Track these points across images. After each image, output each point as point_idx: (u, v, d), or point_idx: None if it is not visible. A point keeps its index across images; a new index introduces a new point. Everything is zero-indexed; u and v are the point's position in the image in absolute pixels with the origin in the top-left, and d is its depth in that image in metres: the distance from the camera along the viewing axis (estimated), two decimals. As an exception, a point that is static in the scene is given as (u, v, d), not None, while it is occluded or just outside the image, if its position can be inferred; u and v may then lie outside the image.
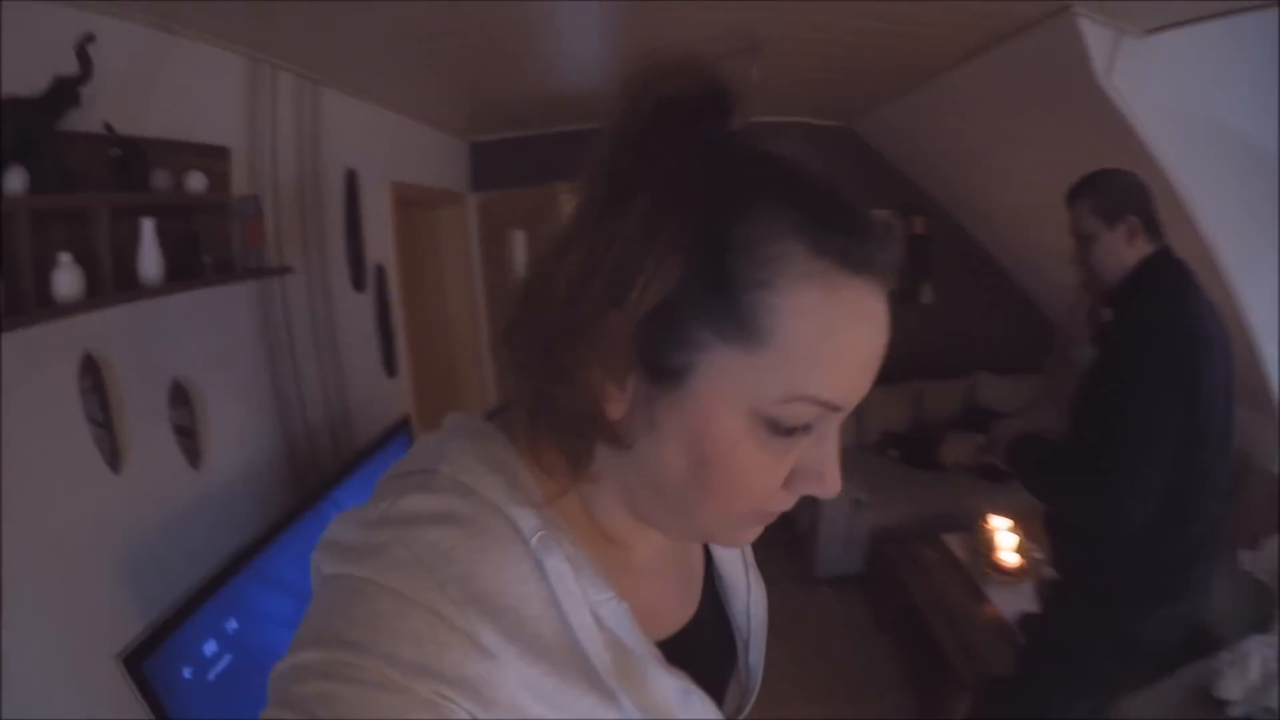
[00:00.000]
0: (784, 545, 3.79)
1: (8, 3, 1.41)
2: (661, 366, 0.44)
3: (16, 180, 1.36)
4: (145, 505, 1.77)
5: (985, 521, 2.78)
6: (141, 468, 1.76)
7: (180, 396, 1.91)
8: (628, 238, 0.42)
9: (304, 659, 0.40)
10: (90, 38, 1.46)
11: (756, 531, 0.52)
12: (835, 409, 0.45)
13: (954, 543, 2.99)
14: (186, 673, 1.51)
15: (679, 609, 0.60)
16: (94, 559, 1.62)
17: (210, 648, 1.59)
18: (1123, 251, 1.62)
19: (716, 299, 0.42)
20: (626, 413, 0.46)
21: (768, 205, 0.43)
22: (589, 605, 0.47)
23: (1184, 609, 1.69)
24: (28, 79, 1.41)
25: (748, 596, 0.68)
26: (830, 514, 3.37)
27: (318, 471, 2.46)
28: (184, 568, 1.73)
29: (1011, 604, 2.55)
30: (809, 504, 3.45)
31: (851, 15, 2.35)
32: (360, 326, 3.01)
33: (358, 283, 2.94)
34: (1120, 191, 1.64)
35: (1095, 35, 2.14)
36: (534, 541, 0.46)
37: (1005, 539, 2.69)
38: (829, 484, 0.48)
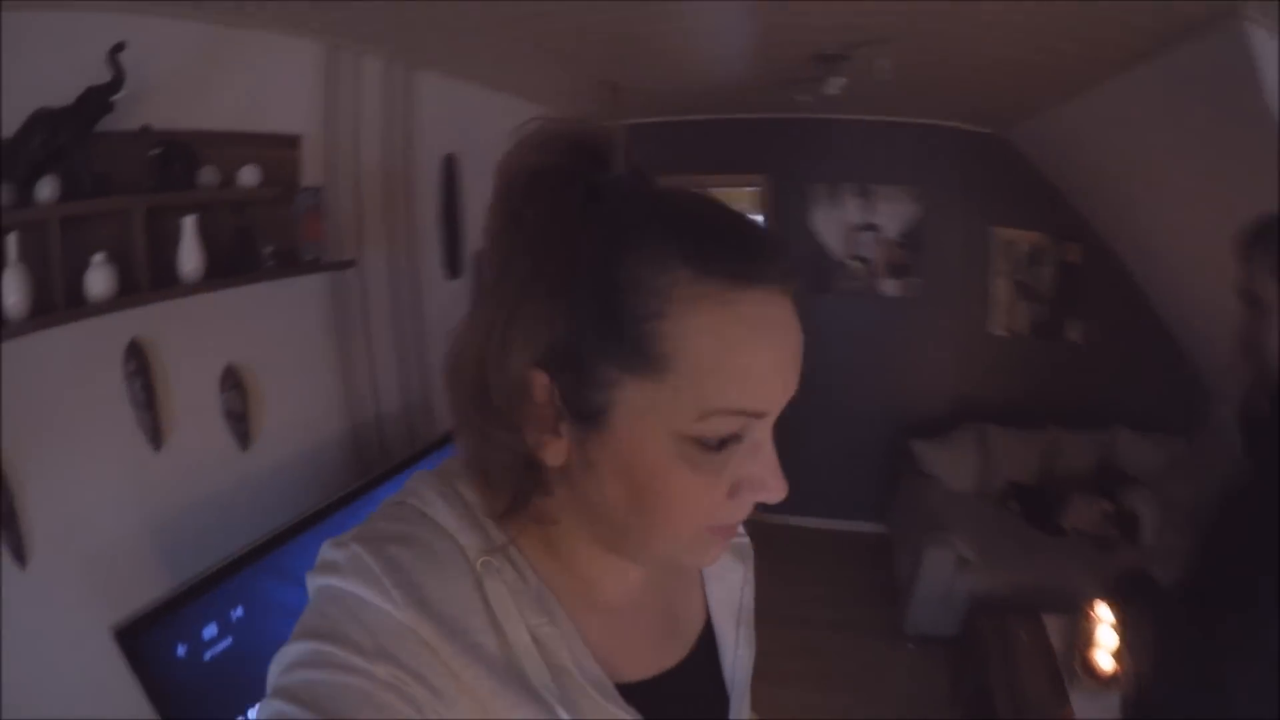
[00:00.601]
0: (879, 592, 3.52)
1: (50, 13, 1.50)
2: (583, 410, 0.48)
3: (46, 189, 1.45)
4: (187, 482, 1.88)
5: (1090, 608, 2.40)
6: (184, 447, 1.87)
7: (233, 381, 2.01)
8: (516, 302, 0.47)
9: (287, 653, 0.46)
10: (121, 46, 1.51)
11: (722, 548, 0.55)
12: (756, 415, 0.48)
13: (1052, 626, 2.62)
14: (180, 650, 1.59)
15: (657, 654, 0.62)
16: (128, 530, 1.74)
17: (210, 631, 1.67)
18: None
19: (614, 338, 0.45)
20: (566, 457, 0.50)
21: (647, 240, 0.46)
22: (527, 628, 0.50)
23: None
24: (72, 87, 1.49)
25: (734, 653, 0.69)
26: (931, 569, 3.10)
27: (386, 461, 2.52)
28: (222, 544, 1.79)
29: (1094, 715, 2.19)
30: (912, 555, 3.20)
31: (1001, 12, 2.07)
32: (454, 314, 3.05)
33: (453, 270, 2.98)
34: None
35: (1266, 46, 1.72)
36: (478, 565, 0.51)
37: (1105, 636, 2.27)
38: (773, 490, 0.50)
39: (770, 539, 4.30)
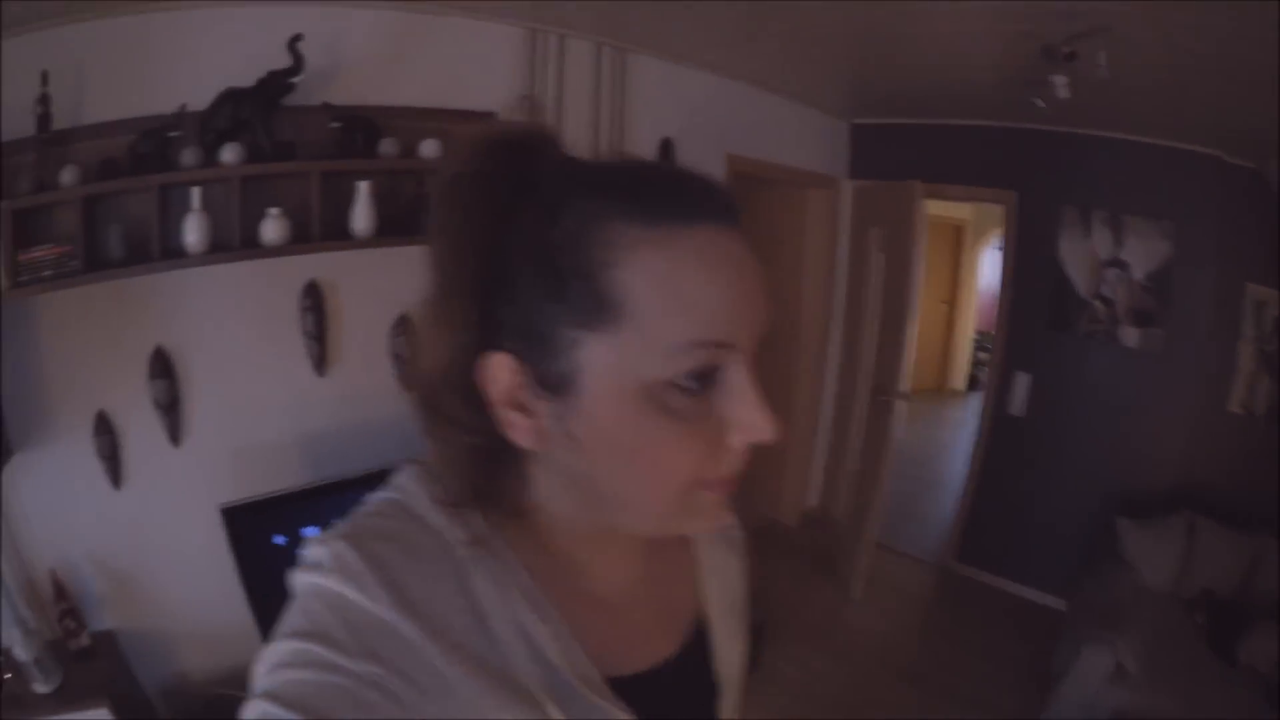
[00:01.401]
0: (1031, 677, 3.04)
1: (268, 4, 1.81)
2: (553, 381, 0.47)
3: (229, 154, 1.78)
4: (344, 406, 2.22)
5: None
6: (348, 376, 2.20)
7: (407, 329, 2.29)
8: (455, 296, 0.48)
9: (273, 652, 0.46)
10: (299, 37, 1.77)
11: (723, 507, 0.53)
12: (721, 346, 0.47)
13: None
14: (279, 539, 1.92)
15: (649, 647, 0.60)
16: (279, 435, 2.10)
17: (311, 530, 1.98)
18: None
19: (568, 299, 0.46)
20: (545, 436, 0.49)
21: (585, 202, 0.47)
22: (515, 623, 0.50)
23: None
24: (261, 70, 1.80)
25: (727, 646, 0.68)
26: (1085, 670, 2.67)
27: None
28: (363, 463, 2.11)
29: None
30: (1072, 647, 2.76)
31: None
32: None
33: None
34: None
35: None
36: (463, 560, 0.51)
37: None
38: (761, 429, 0.49)
39: (948, 590, 3.68)
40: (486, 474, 0.52)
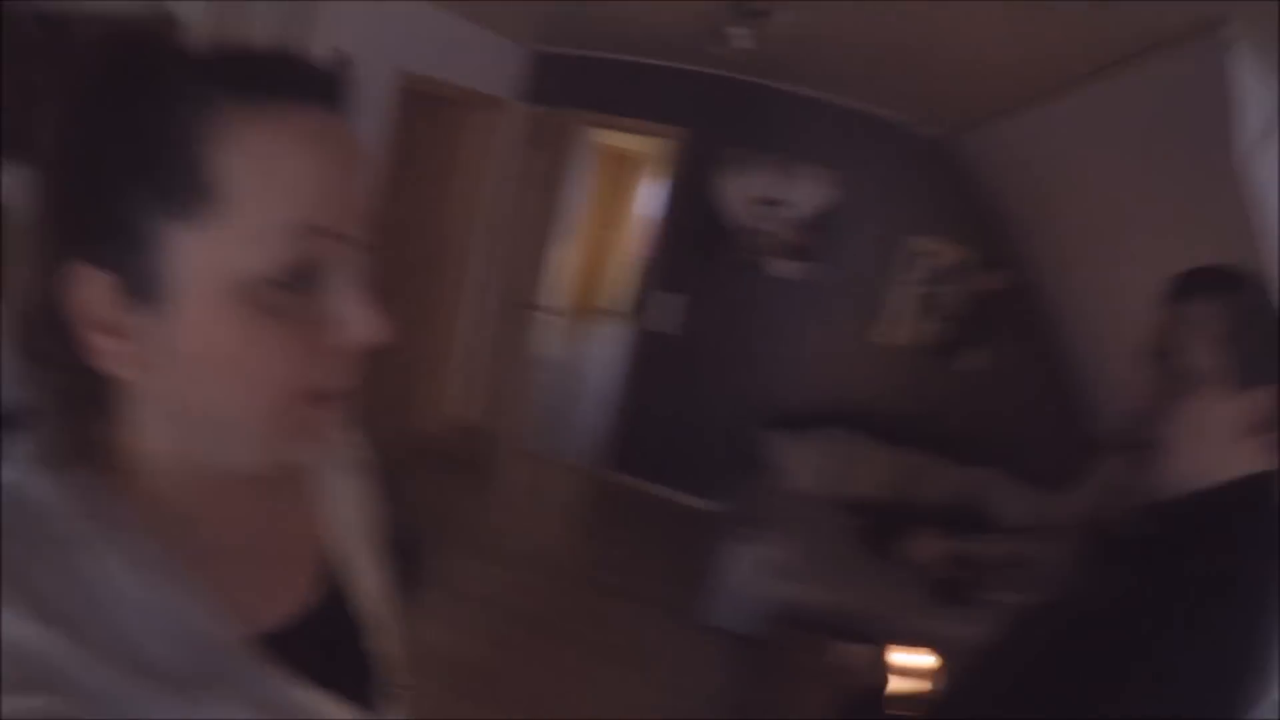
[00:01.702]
0: (696, 576, 3.30)
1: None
2: (145, 288, 0.43)
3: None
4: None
5: (885, 650, 2.31)
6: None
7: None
8: (53, 195, 0.42)
9: None
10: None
11: (328, 423, 0.50)
12: (321, 233, 0.45)
13: (851, 655, 2.49)
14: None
15: (289, 595, 0.56)
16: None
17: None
18: (1225, 448, 0.89)
19: (158, 184, 0.41)
20: (140, 359, 0.44)
21: (180, 83, 0.42)
22: (146, 601, 0.45)
23: None
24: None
25: (367, 578, 0.65)
26: (744, 565, 3.00)
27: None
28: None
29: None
30: (731, 546, 3.09)
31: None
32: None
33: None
34: (1269, 339, 0.89)
35: (1252, 81, 1.42)
36: (80, 541, 0.44)
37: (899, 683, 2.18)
38: (365, 327, 0.47)
39: (606, 500, 3.80)
40: (87, 422, 0.46)
